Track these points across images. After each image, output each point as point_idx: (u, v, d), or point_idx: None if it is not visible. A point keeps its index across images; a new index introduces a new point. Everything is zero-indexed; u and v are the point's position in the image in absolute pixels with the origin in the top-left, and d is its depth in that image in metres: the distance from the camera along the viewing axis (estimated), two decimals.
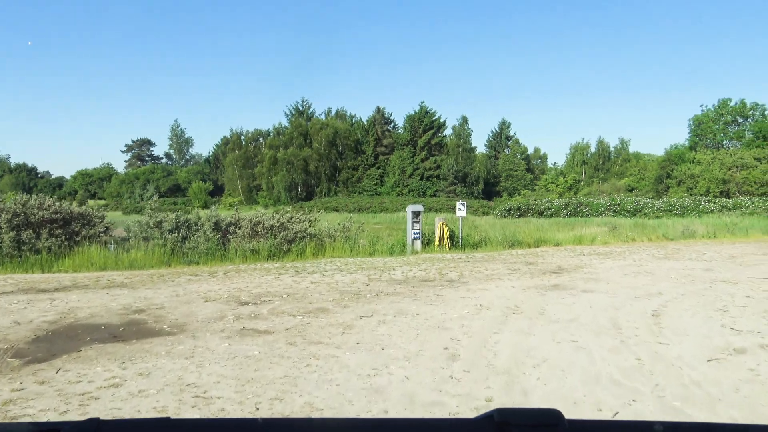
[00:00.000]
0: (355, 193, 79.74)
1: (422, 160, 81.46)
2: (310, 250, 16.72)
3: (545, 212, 54.74)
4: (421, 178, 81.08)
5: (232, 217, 17.06)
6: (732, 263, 14.50)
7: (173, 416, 4.27)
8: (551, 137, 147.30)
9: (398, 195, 77.00)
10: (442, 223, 19.15)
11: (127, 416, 4.25)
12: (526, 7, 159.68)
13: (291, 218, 17.48)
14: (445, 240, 18.96)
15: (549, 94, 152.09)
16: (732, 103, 67.89)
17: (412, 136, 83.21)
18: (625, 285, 10.87)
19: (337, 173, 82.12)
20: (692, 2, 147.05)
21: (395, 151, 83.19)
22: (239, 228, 16.55)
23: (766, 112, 65.49)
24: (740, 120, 68.25)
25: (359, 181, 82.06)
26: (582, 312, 8.32)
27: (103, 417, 2.10)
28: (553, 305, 8.84)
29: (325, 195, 78.96)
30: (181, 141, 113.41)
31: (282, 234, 16.66)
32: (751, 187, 55.32)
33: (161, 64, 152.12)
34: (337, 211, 63.49)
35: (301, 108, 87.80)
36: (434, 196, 77.03)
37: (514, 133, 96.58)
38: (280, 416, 4.32)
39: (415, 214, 18.90)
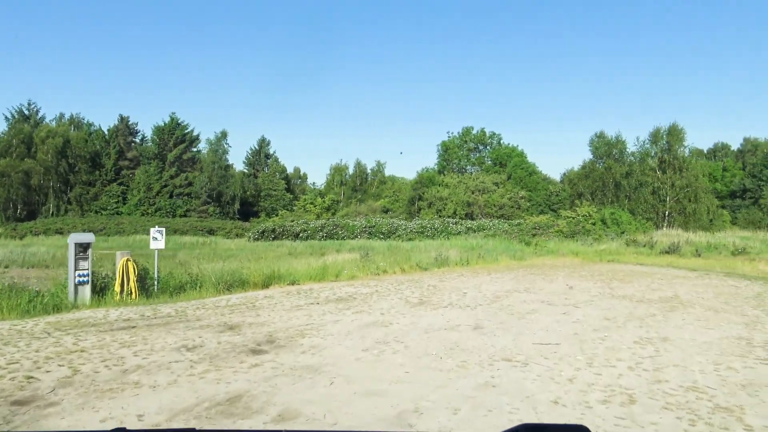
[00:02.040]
0: (91, 212, 67.81)
1: (172, 177, 72.88)
2: None
3: (301, 234, 51.20)
4: (171, 196, 72.42)
5: None
6: (502, 312, 11.24)
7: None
8: (312, 157, 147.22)
9: (143, 215, 67.65)
10: (126, 260, 13.13)
11: None
12: (288, 22, 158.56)
13: None
14: (131, 283, 13.02)
15: (310, 113, 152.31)
16: (474, 131, 72.51)
17: (161, 150, 74.21)
18: (361, 378, 6.37)
19: (69, 189, 68.86)
20: (436, 39, 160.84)
21: (141, 165, 73.15)
22: None
23: (501, 141, 71.21)
24: (480, 147, 73.23)
25: (96, 198, 70.06)
26: None
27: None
28: None
29: (53, 214, 65.65)
30: None
31: None
32: (491, 209, 58.79)
33: None
34: (62, 233, 52.39)
35: (26, 112, 72.49)
36: (185, 216, 69.24)
37: (274, 152, 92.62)
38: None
39: (81, 247, 12.56)
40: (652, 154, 46.80)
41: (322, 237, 50.69)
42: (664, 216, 45.61)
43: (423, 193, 65.93)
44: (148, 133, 77.32)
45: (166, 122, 74.99)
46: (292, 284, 16.34)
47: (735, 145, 75.11)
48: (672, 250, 31.40)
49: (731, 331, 9.77)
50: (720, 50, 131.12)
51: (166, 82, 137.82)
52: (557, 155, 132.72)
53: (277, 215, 74.01)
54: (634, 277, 18.70)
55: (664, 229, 43.55)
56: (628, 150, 47.68)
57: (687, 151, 46.99)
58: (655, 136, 46.47)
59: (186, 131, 75.92)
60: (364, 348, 7.96)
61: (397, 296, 13.48)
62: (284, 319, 10.36)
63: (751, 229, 50.48)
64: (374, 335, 8.84)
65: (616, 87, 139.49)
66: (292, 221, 58.30)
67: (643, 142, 47.12)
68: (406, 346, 8.11)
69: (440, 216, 59.28)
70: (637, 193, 45.71)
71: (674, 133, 45.22)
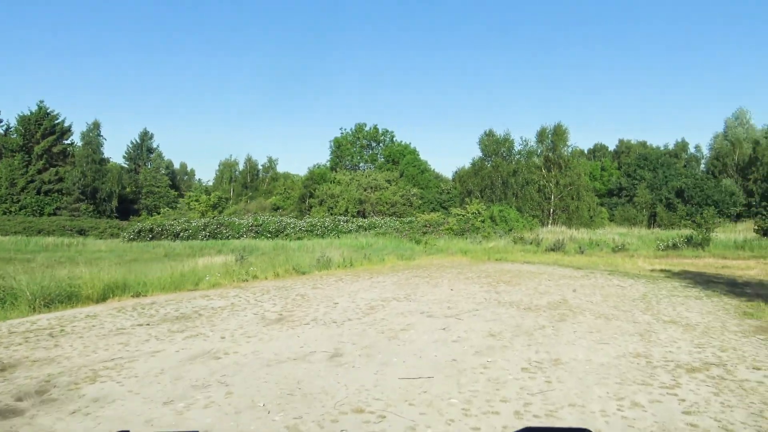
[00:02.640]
0: None
1: (39, 171, 65.78)
2: None
3: (182, 234, 47.35)
4: (38, 193, 65.39)
5: None
6: (372, 330, 9.38)
7: None
8: (201, 152, 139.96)
9: (4, 213, 60.45)
10: None
11: None
12: (185, 16, 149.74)
13: None
14: None
15: (199, 106, 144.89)
16: (367, 128, 71.21)
17: (26, 142, 66.75)
18: None
19: None
20: (330, 35, 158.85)
21: (3, 158, 65.31)
22: None
23: (394, 138, 70.43)
24: (373, 144, 72.07)
25: None
26: None
27: None
28: None
29: None
30: None
31: None
32: (383, 207, 57.69)
33: None
34: None
35: None
36: (54, 214, 62.71)
37: (158, 145, 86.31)
38: None
39: None
40: (538, 152, 47.65)
41: (205, 237, 47.19)
42: (550, 213, 46.51)
43: (314, 190, 63.75)
44: (13, 123, 69.15)
45: (33, 111, 67.36)
46: (137, 296, 13.64)
47: (611, 146, 79.41)
48: (557, 247, 31.44)
49: (627, 345, 8.54)
50: (599, 58, 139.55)
51: (32, 66, 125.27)
52: (450, 153, 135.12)
53: (159, 213, 68.82)
54: (522, 279, 17.70)
55: (550, 226, 44.32)
56: (515, 148, 48.34)
57: (570, 150, 48.30)
58: (540, 136, 47.40)
59: (56, 122, 68.60)
60: (168, 399, 5.75)
61: (253, 311, 11.27)
62: (88, 351, 7.87)
63: (627, 225, 52.89)
64: (195, 374, 6.64)
65: (506, 86, 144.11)
66: (174, 220, 54.10)
67: (526, 141, 47.92)
68: (230, 391, 5.99)
69: (332, 214, 57.41)
70: (524, 191, 46.28)
71: (558, 133, 46.29)
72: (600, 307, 12.18)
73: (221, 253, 28.99)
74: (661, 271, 20.76)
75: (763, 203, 51.18)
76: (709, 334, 9.60)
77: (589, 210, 48.45)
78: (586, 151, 79.61)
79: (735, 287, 16.18)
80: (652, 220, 55.78)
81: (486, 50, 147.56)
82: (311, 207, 63.17)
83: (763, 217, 33.28)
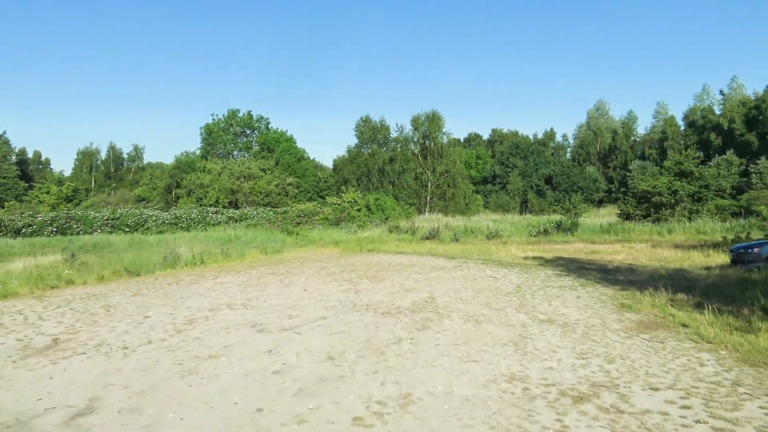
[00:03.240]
0: None
1: None
2: None
3: (24, 230, 41.23)
4: None
5: None
6: (167, 359, 6.84)
7: None
8: (59, 140, 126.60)
9: None
10: None
11: None
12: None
13: None
14: None
15: (56, 90, 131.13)
16: (240, 114, 67.10)
17: None
18: None
19: None
20: (201, 19, 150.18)
21: None
22: None
23: (270, 126, 66.91)
24: (248, 131, 68.11)
25: None
26: None
27: None
28: None
29: None
30: None
31: None
32: (257, 197, 54.30)
33: None
34: None
35: None
36: None
37: (4, 132, 76.27)
38: None
39: None
40: (414, 140, 46.64)
41: (52, 232, 41.38)
42: (427, 201, 45.70)
43: (181, 180, 58.84)
44: None
45: None
46: None
47: (485, 135, 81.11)
48: (432, 235, 30.28)
49: (499, 362, 6.71)
50: (473, 50, 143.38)
51: None
52: (330, 142, 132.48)
53: (3, 207, 60.39)
54: (390, 273, 15.83)
55: (427, 214, 43.51)
56: (391, 135, 46.91)
57: (445, 138, 47.74)
58: (416, 123, 46.33)
59: None
60: None
61: (21, 333, 8.26)
62: None
63: (500, 212, 53.65)
64: None
65: (382, 73, 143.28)
66: (21, 214, 47.25)
67: (402, 128, 46.68)
68: None
69: (201, 205, 53.08)
70: (401, 179, 45.08)
71: (434, 121, 45.50)
72: (470, 306, 10.47)
73: (61, 252, 24.71)
74: (534, 258, 19.87)
75: (622, 189, 54.04)
76: (591, 337, 8.10)
77: (465, 197, 48.30)
78: (461, 140, 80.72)
79: (607, 274, 15.36)
80: (524, 207, 57.12)
81: (363, 37, 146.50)
82: (178, 198, 58.29)
83: (625, 201, 34.27)
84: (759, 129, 48.91)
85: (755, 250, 14.58)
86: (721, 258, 18.02)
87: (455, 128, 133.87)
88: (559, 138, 76.77)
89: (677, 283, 13.07)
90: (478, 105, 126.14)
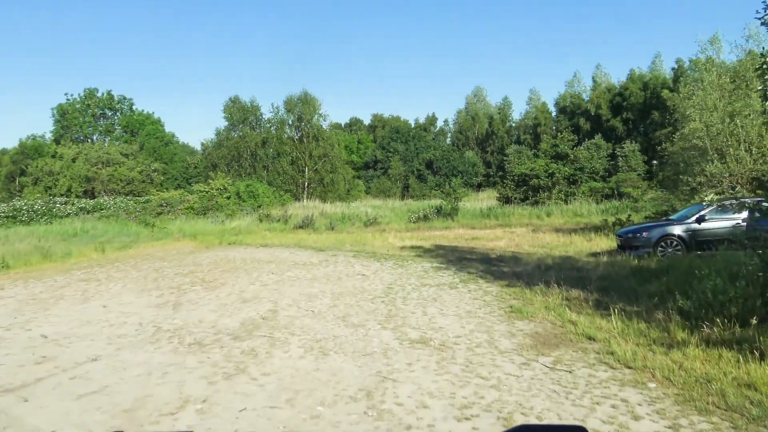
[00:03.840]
0: None
1: None
2: None
3: None
4: None
5: None
6: None
7: None
8: None
9: None
10: None
11: None
12: None
13: None
14: None
15: None
16: (99, 94, 59.70)
17: None
18: None
19: None
20: None
21: None
22: None
23: (133, 107, 60.30)
24: (109, 113, 60.91)
25: None
26: None
27: None
28: None
29: None
30: None
31: None
32: (117, 185, 48.31)
33: None
34: None
35: None
36: None
37: None
38: None
39: None
40: (289, 122, 43.18)
41: None
42: (304, 187, 42.59)
43: (26, 167, 51.27)
44: None
45: None
46: None
47: (367, 121, 79.11)
48: (306, 224, 27.40)
49: None
50: (352, 35, 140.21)
51: None
52: (203, 124, 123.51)
53: None
54: (237, 273, 12.76)
55: (305, 200, 40.46)
56: (264, 117, 43.12)
57: (323, 121, 44.65)
58: (289, 104, 42.81)
59: None
60: None
61: None
62: None
63: (382, 197, 51.81)
64: None
65: (253, 51, 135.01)
66: None
67: (277, 108, 42.94)
68: None
69: (50, 194, 46.26)
70: (276, 164, 41.56)
71: (308, 103, 42.28)
72: (321, 323, 7.76)
73: None
74: (412, 248, 17.64)
75: (500, 173, 54.15)
76: (477, 369, 5.68)
77: (345, 183, 45.77)
78: (342, 125, 78.19)
79: (490, 265, 13.34)
80: (406, 192, 55.72)
81: (235, 17, 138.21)
82: (23, 187, 50.72)
83: (504, 185, 33.40)
84: (623, 115, 50.71)
85: (644, 234, 13.17)
86: (605, 242, 16.79)
87: (337, 113, 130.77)
88: (440, 123, 76.55)
89: (567, 274, 11.25)
90: (360, 90, 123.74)
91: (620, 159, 41.62)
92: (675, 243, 12.85)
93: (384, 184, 56.96)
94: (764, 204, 13.83)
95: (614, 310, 7.62)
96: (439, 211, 28.39)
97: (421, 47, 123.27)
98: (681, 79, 37.26)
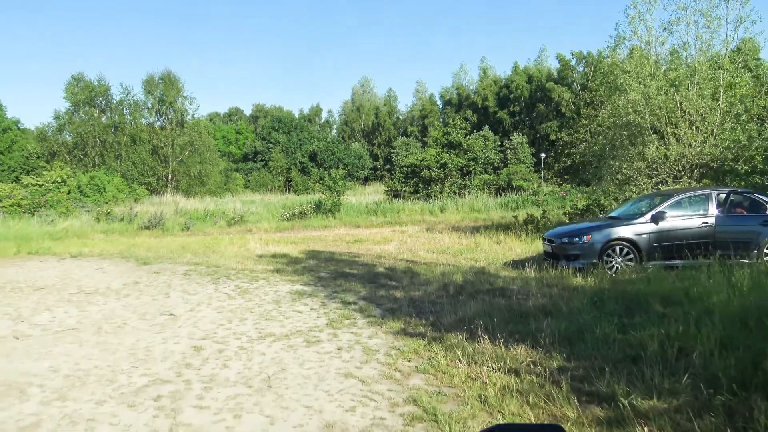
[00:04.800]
0: None
1: None
2: None
3: None
4: None
5: None
6: None
7: None
8: None
9: None
10: None
11: None
12: None
13: None
14: None
15: None
16: None
17: None
18: None
19: None
20: None
21: None
22: None
23: None
24: None
25: None
26: None
27: None
28: None
29: None
30: None
31: None
32: None
33: None
34: None
35: None
36: None
37: None
38: None
39: None
40: (149, 105, 36.29)
41: None
42: (168, 180, 36.08)
43: None
44: None
45: None
46: None
47: (248, 111, 72.55)
48: (154, 223, 21.62)
49: None
50: (233, 21, 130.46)
51: None
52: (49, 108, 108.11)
53: None
54: None
55: (168, 195, 34.08)
56: (114, 98, 35.80)
57: (189, 105, 37.80)
58: (149, 85, 35.91)
59: None
60: None
61: None
62: None
63: (262, 191, 46.37)
64: None
65: (101, 29, 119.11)
66: None
67: (129, 89, 35.55)
68: None
69: None
70: (131, 152, 34.68)
71: (172, 83, 35.72)
72: None
73: None
74: (275, 257, 12.86)
75: (387, 166, 50.50)
76: None
77: (218, 176, 39.67)
78: (221, 115, 71.11)
79: (377, 286, 8.92)
80: (288, 185, 50.48)
81: None
82: None
83: (392, 177, 29.43)
84: (509, 107, 48.86)
85: (584, 239, 9.33)
86: (520, 246, 13.00)
87: (216, 102, 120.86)
88: (325, 115, 71.79)
89: (490, 303, 7.17)
90: (241, 80, 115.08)
91: (509, 151, 39.36)
92: (626, 250, 9.12)
93: (264, 178, 51.34)
94: (738, 195, 10.74)
95: (634, 422, 3.42)
96: (318, 207, 23.75)
97: (307, 36, 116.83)
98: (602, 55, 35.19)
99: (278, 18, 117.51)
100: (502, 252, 12.34)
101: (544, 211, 14.53)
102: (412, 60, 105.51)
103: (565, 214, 13.98)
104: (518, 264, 10.47)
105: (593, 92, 39.06)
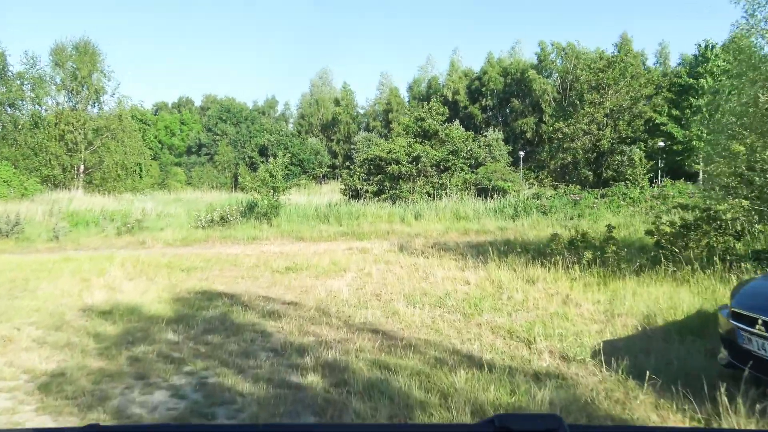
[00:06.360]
0: None
1: None
2: None
3: None
4: None
5: None
6: None
7: None
8: None
9: None
10: None
11: None
12: None
13: None
14: None
15: None
16: None
17: None
18: None
19: None
20: None
21: None
22: None
23: None
24: None
25: None
26: None
27: None
28: None
29: None
30: None
31: None
32: None
33: None
34: None
35: None
36: None
37: None
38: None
39: None
40: (57, 80, 28.58)
41: None
42: (78, 172, 28.51)
43: None
44: None
45: None
46: None
47: (198, 102, 64.57)
48: (7, 230, 14.50)
49: None
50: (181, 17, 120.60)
51: None
52: None
53: None
54: None
55: (78, 190, 26.65)
56: (11, 70, 27.85)
57: (107, 81, 29.76)
58: (58, 56, 28.17)
59: None
60: None
61: None
62: None
63: (207, 188, 39.14)
64: None
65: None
66: None
67: (34, 59, 27.60)
68: None
69: None
70: (28, 137, 26.99)
71: (86, 54, 28.13)
72: None
73: None
74: (106, 318, 6.15)
75: (347, 164, 43.93)
76: None
77: (160, 168, 32.14)
78: (170, 105, 62.99)
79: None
80: (236, 182, 43.23)
81: None
82: None
83: (351, 173, 22.85)
84: (481, 101, 42.95)
85: None
86: (582, 294, 6.71)
87: (163, 92, 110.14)
88: (282, 107, 64.56)
89: None
90: (191, 68, 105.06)
91: (483, 149, 33.39)
92: None
93: (209, 173, 43.98)
94: None
95: None
96: (251, 208, 17.02)
97: (267, 25, 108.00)
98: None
99: (252, 8, 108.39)
100: (560, 308, 5.97)
101: (610, 229, 8.02)
102: (377, 51, 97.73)
103: (650, 233, 7.73)
104: (662, 370, 4.09)
105: (581, 83, 33.77)
